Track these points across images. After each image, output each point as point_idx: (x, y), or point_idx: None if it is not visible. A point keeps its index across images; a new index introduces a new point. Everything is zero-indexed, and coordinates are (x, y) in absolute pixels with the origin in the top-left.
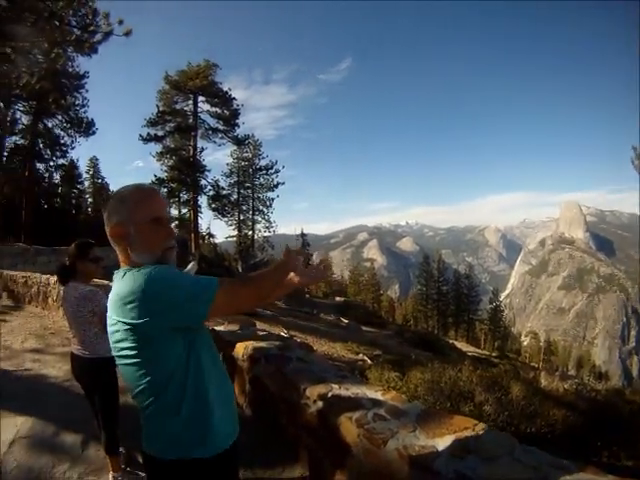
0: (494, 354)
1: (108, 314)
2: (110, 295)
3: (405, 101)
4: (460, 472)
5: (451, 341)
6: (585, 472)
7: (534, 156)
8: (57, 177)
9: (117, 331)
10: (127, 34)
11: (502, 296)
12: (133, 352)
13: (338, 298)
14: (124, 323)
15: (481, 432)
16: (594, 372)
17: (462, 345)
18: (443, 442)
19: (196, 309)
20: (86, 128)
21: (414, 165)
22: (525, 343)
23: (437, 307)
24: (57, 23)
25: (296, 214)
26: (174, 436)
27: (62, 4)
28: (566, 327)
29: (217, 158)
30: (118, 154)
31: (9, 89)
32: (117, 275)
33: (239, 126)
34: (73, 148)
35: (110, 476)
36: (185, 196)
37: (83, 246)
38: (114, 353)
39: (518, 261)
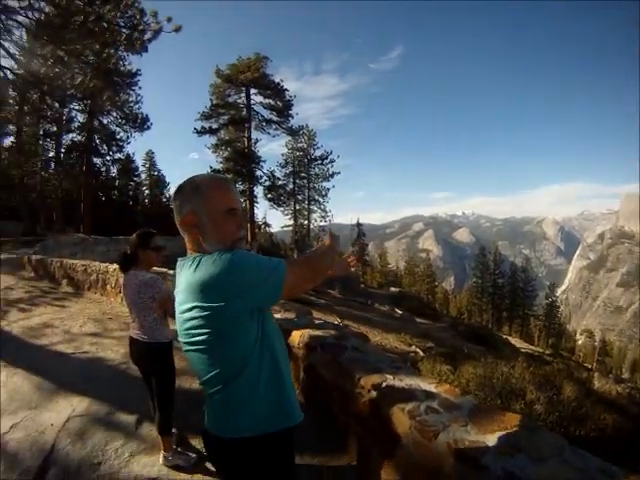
0: (547, 351)
1: (179, 300)
2: (181, 282)
3: (459, 88)
4: (508, 470)
5: (504, 336)
6: None
7: (597, 144)
8: (114, 171)
9: (193, 318)
10: (177, 30)
11: (558, 291)
12: (210, 337)
13: (393, 288)
14: (203, 308)
15: (532, 431)
16: None
17: (515, 341)
18: (493, 438)
19: (272, 289)
20: (141, 123)
21: (471, 154)
22: (580, 342)
23: (492, 301)
24: (105, 25)
25: (352, 203)
26: (254, 415)
27: (109, 7)
28: (622, 327)
29: (272, 149)
30: (173, 147)
31: (64, 89)
32: (186, 262)
33: (293, 117)
34: (129, 143)
35: (161, 455)
36: (241, 187)
37: (145, 235)
38: (186, 340)
39: (576, 255)
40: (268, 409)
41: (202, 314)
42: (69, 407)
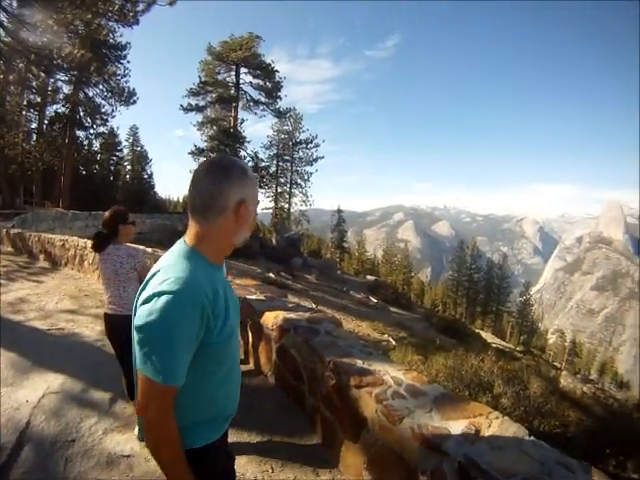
0: (518, 348)
1: None
2: None
3: (452, 82)
4: (468, 457)
5: (477, 330)
6: (590, 475)
7: (589, 148)
8: (97, 145)
9: None
10: (171, 4)
11: (533, 290)
12: None
13: (369, 277)
14: None
15: (494, 420)
16: (615, 380)
17: (487, 336)
18: (456, 425)
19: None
20: (127, 97)
21: (459, 147)
22: (551, 341)
23: (467, 295)
24: None
25: (334, 189)
26: None
27: None
28: (593, 330)
29: (257, 130)
30: (159, 123)
31: (50, 59)
32: None
33: (281, 99)
34: (114, 116)
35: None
36: None
37: (124, 211)
38: None
39: (553, 256)
40: None
41: None
42: (44, 384)
